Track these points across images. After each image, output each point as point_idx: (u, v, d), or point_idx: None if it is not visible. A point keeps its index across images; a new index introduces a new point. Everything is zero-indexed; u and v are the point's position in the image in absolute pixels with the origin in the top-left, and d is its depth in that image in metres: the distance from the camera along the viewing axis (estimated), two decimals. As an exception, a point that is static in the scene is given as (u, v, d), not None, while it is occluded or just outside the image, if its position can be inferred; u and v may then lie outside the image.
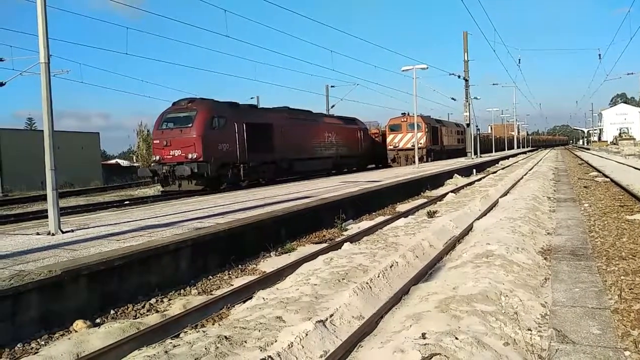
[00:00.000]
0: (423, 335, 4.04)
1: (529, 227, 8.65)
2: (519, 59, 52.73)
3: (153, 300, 5.85)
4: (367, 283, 5.58)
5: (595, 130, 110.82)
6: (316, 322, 4.32)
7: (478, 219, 10.48)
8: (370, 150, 33.80)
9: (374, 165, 35.14)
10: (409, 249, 7.35)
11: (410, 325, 4.32)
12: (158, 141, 18.91)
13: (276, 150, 22.10)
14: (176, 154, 18.21)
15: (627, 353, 3.62)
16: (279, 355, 3.81)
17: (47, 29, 7.44)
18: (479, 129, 50.87)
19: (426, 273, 6.41)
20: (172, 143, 18.35)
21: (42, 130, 7.60)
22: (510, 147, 78.38)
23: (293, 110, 25.72)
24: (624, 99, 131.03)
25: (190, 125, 18.34)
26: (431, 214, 11.32)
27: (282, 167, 22.85)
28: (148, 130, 39.61)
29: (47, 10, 7.47)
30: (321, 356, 3.96)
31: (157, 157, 18.86)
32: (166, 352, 4.02)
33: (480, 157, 41.39)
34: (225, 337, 4.26)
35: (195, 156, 17.81)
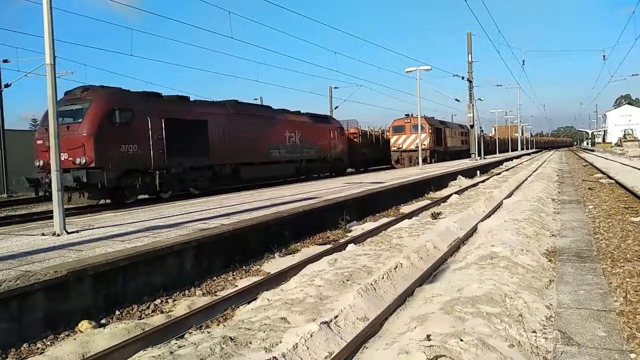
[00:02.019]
0: (428, 337, 4.04)
1: (533, 229, 8.63)
2: (523, 60, 52.65)
3: (158, 301, 5.86)
4: (371, 284, 5.58)
5: (599, 131, 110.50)
6: (321, 323, 4.33)
7: (482, 220, 10.46)
8: (347, 152, 30.01)
9: (353, 170, 32.48)
10: (413, 250, 7.35)
11: (415, 327, 4.32)
12: (41, 141, 14.25)
13: (213, 153, 18.08)
14: (62, 158, 14.44)
15: (632, 355, 3.61)
16: (284, 356, 3.81)
17: (52, 31, 7.47)
18: (482, 131, 50.86)
19: (430, 275, 6.40)
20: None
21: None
22: (514, 149, 78.18)
23: (241, 105, 21.40)
24: (628, 100, 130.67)
25: (80, 120, 14.15)
26: (435, 216, 11.31)
27: (223, 174, 18.78)
28: None
29: (52, 12, 7.50)
30: (326, 357, 3.96)
31: (41, 162, 14.51)
32: (171, 352, 4.03)
33: (484, 158, 41.31)
34: (230, 337, 4.27)
35: (85, 161, 13.81)
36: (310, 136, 25.37)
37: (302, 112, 26.29)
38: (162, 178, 15.68)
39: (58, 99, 13.60)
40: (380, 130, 38.43)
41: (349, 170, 31.77)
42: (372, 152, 35.35)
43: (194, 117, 17.52)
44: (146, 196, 16.70)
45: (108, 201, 15.34)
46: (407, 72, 27.59)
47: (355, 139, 33.02)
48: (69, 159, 13.60)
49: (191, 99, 18.59)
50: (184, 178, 16.97)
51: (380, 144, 36.74)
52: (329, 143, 27.50)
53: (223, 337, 4.26)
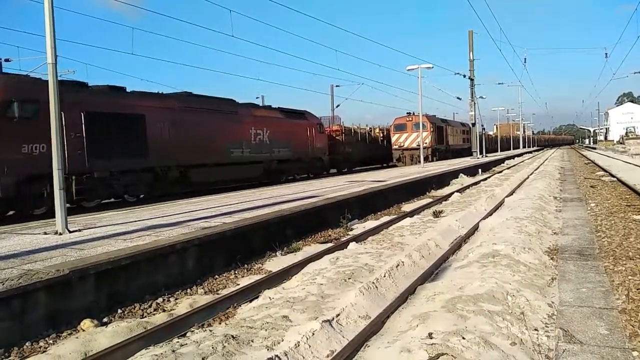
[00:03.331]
0: (430, 335, 4.04)
1: (535, 227, 8.63)
2: (525, 58, 52.55)
3: (160, 300, 5.87)
4: (373, 283, 5.58)
5: (601, 129, 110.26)
6: (323, 321, 4.33)
7: (484, 218, 10.46)
8: (327, 152, 27.01)
9: (335, 171, 29.74)
10: (414, 248, 7.35)
11: (417, 325, 4.32)
12: None
13: (154, 153, 15.24)
14: None
15: (635, 353, 3.61)
16: (286, 355, 3.82)
17: (54, 30, 7.48)
18: (484, 129, 50.79)
19: (432, 273, 6.41)
20: None
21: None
22: (516, 147, 78.07)
23: (193, 97, 18.23)
24: (630, 97, 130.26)
25: None
26: (437, 214, 11.30)
27: (168, 177, 15.98)
28: None
29: (54, 12, 7.51)
30: (328, 355, 3.97)
31: None
32: (173, 351, 4.04)
33: (486, 156, 41.28)
34: (232, 336, 4.27)
35: None
36: (283, 133, 22.29)
37: (273, 106, 23.95)
38: (80, 184, 12.88)
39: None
40: (369, 128, 36.24)
41: (332, 170, 29.33)
42: (359, 151, 32.68)
43: (127, 110, 14.57)
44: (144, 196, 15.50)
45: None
46: (408, 70, 27.55)
47: (337, 137, 30.45)
48: None
49: (128, 90, 15.70)
50: (113, 183, 14.15)
51: (368, 142, 34.39)
52: (305, 141, 24.37)
53: (225, 336, 4.26)
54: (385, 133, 37.05)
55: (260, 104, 23.11)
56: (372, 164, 34.83)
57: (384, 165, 35.67)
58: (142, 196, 15.36)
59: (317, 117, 27.21)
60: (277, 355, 3.76)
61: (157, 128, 15.55)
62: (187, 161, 16.53)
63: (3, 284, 4.64)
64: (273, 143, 21.56)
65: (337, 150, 29.36)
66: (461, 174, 23.09)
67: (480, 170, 27.03)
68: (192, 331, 4.72)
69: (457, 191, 16.83)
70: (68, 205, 11.75)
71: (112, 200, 14.85)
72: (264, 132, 20.99)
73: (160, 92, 17.59)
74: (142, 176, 15.04)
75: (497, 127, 78.20)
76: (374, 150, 34.82)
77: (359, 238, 8.89)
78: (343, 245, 8.19)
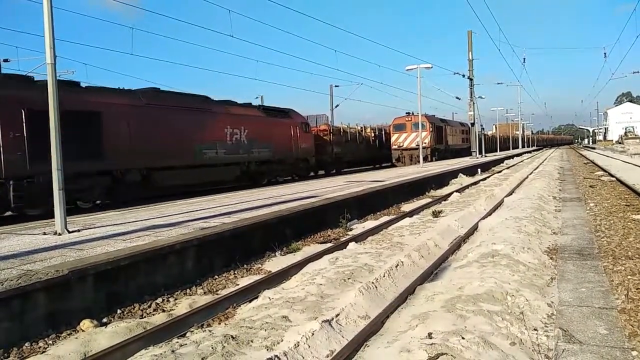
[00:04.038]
0: (429, 335, 4.04)
1: (534, 227, 8.63)
2: (524, 58, 52.52)
3: (159, 300, 5.87)
4: (372, 283, 5.59)
5: (600, 129, 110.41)
6: (322, 321, 4.33)
7: (483, 218, 10.46)
8: (313, 152, 25.48)
9: (323, 172, 28.31)
10: (414, 248, 7.35)
11: (417, 325, 4.32)
12: None
13: (112, 154, 13.77)
14: None
15: (634, 353, 3.61)
16: (286, 355, 3.82)
17: (53, 30, 7.47)
18: (483, 128, 50.83)
19: (432, 273, 6.41)
20: None
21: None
22: (515, 147, 78.13)
23: (159, 94, 16.56)
24: (629, 97, 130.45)
25: None
26: (436, 214, 11.30)
27: (128, 181, 14.44)
28: None
29: (53, 12, 7.50)
30: (327, 356, 3.97)
31: None
32: (173, 351, 4.03)
33: (485, 156, 41.30)
34: (232, 336, 4.27)
35: None
36: (263, 133, 20.74)
37: (253, 104, 22.29)
38: (20, 190, 11.52)
39: None
40: (360, 127, 34.46)
41: (320, 172, 28.19)
42: (349, 151, 31.06)
43: (79, 107, 12.88)
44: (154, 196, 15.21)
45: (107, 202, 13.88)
46: (407, 70, 27.57)
47: (325, 137, 28.70)
48: None
49: (83, 85, 14.43)
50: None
51: (358, 142, 32.70)
52: (288, 141, 22.86)
53: (224, 336, 4.26)
54: (377, 132, 35.82)
55: (239, 102, 21.11)
56: (364, 165, 33.55)
57: (377, 166, 34.89)
58: (98, 202, 13.80)
59: (302, 116, 25.69)
60: (276, 356, 3.76)
61: (116, 126, 14.02)
62: (150, 163, 15.05)
63: (2, 285, 4.63)
64: (252, 143, 20.07)
65: (324, 151, 27.85)
66: (460, 174, 23.10)
67: (479, 170, 27.04)
68: (192, 331, 4.72)
69: (457, 191, 16.84)
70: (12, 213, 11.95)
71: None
72: (241, 132, 19.50)
73: (122, 87, 16.05)
74: (97, 180, 13.46)
75: (496, 127, 78.26)
76: (365, 150, 33.58)
77: (358, 238, 8.89)
78: (342, 246, 8.19)
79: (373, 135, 35.25)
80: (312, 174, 26.59)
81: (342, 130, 31.16)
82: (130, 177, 14.52)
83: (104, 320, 5.23)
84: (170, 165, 15.86)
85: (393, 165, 33.58)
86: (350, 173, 26.67)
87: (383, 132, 36.71)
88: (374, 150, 34.72)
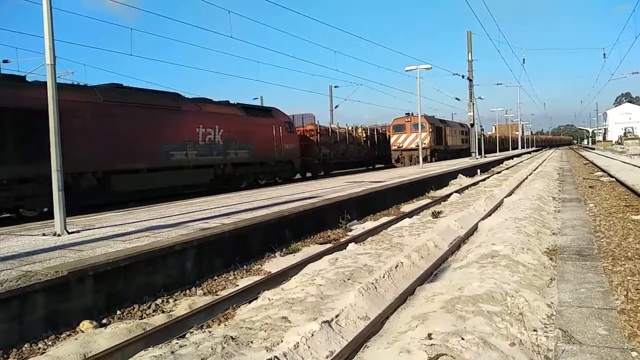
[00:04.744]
0: (429, 336, 4.04)
1: (534, 227, 8.63)
2: (523, 59, 52.71)
3: (159, 301, 5.87)
4: (372, 283, 5.58)
5: (600, 129, 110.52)
6: (322, 322, 4.33)
7: (483, 219, 10.46)
8: (298, 154, 24.09)
9: (310, 175, 26.78)
10: (414, 249, 7.35)
11: (416, 326, 4.32)
12: None
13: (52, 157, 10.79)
14: None
15: (634, 354, 3.61)
16: (285, 356, 3.82)
17: (52, 31, 7.47)
18: (483, 129, 50.85)
19: (431, 273, 6.41)
20: None
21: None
22: (515, 147, 78.19)
23: (122, 90, 15.38)
24: (628, 98, 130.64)
25: None
26: (436, 214, 11.30)
27: (81, 186, 13.09)
28: None
29: (52, 13, 7.50)
30: (327, 356, 3.96)
31: None
32: (172, 352, 4.03)
33: (485, 157, 41.31)
34: (231, 337, 4.27)
35: None
36: (241, 133, 19.36)
37: (232, 102, 20.73)
38: None
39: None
40: (351, 127, 32.79)
41: (307, 175, 26.70)
42: (338, 152, 29.45)
43: (22, 105, 11.61)
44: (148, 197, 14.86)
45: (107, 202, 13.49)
46: (407, 70, 27.60)
47: (312, 137, 27.03)
48: None
49: (29, 80, 12.98)
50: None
51: (348, 143, 30.88)
52: (270, 142, 21.44)
53: (224, 337, 4.26)
54: (368, 133, 34.19)
55: (215, 100, 19.72)
56: (354, 167, 31.82)
57: (370, 167, 34.02)
58: (45, 210, 11.95)
59: (286, 115, 24.34)
60: (276, 356, 3.75)
61: (67, 126, 11.91)
62: (107, 166, 13.72)
63: (2, 286, 4.63)
64: (228, 144, 18.66)
65: (311, 152, 26.32)
66: (460, 175, 23.11)
67: (479, 170, 27.06)
68: (191, 332, 4.72)
69: (456, 192, 16.84)
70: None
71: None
72: (215, 131, 18.09)
73: (78, 83, 14.84)
74: (43, 186, 11.59)
75: (495, 128, 78.25)
76: (356, 152, 31.85)
77: (358, 239, 8.89)
78: (342, 246, 8.19)
79: (364, 135, 33.71)
80: (298, 176, 25.20)
81: (330, 130, 29.39)
82: (84, 182, 13.21)
83: (104, 321, 5.23)
84: (131, 168, 14.54)
85: (389, 167, 33.52)
86: (341, 175, 25.51)
87: (375, 133, 35.27)
88: (366, 151, 33.37)
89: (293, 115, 27.48)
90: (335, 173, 28.18)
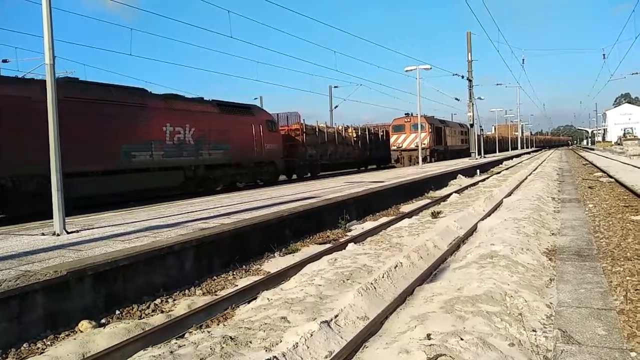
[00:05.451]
0: (428, 336, 4.04)
1: (533, 228, 8.63)
2: (523, 59, 52.76)
3: (158, 301, 5.86)
4: (371, 284, 5.58)
5: (599, 130, 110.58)
6: (321, 322, 4.32)
7: (482, 219, 10.46)
8: (281, 155, 22.77)
9: (295, 177, 25.75)
10: (413, 249, 7.35)
11: (415, 326, 4.32)
12: None
13: None
14: None
15: (633, 354, 3.61)
16: (284, 356, 3.81)
17: (52, 31, 7.47)
18: (482, 130, 50.86)
19: (431, 274, 6.41)
20: None
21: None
22: (514, 148, 78.24)
23: (75, 85, 13.74)
24: (628, 99, 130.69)
25: None
26: (435, 215, 11.30)
27: (21, 191, 12.01)
28: None
29: (52, 12, 7.50)
30: (326, 356, 3.96)
31: None
32: (171, 352, 4.03)
33: (484, 157, 41.33)
34: (230, 337, 4.27)
35: None
36: (216, 132, 18.09)
37: (206, 99, 19.34)
38: None
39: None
40: (341, 127, 31.69)
41: (293, 177, 25.71)
42: (326, 153, 28.06)
43: None
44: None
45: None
46: (406, 71, 27.61)
47: (297, 137, 25.63)
48: None
49: None
50: None
51: (337, 143, 29.58)
52: (249, 142, 20.11)
53: (223, 337, 4.26)
54: (360, 133, 32.84)
55: (187, 96, 18.52)
56: (344, 169, 30.59)
57: (362, 169, 33.16)
58: None
59: (268, 113, 23.02)
60: (275, 357, 3.75)
61: (6, 124, 11.57)
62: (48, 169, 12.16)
63: (1, 285, 4.62)
64: (200, 144, 17.41)
65: (296, 153, 25.01)
66: (459, 175, 23.11)
67: (478, 171, 27.06)
68: (190, 332, 4.72)
69: (456, 192, 16.84)
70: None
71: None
72: (186, 130, 16.79)
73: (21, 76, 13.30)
74: None
75: (495, 128, 78.27)
76: (345, 152, 30.45)
77: (357, 239, 8.89)
78: (341, 246, 8.18)
79: (355, 135, 32.20)
80: (284, 177, 24.29)
81: (317, 129, 27.70)
82: (26, 186, 11.95)
83: (103, 321, 5.22)
84: (84, 171, 13.02)
85: (386, 167, 33.46)
86: (339, 175, 24.75)
87: (367, 133, 33.97)
88: (356, 152, 32.00)
89: (277, 114, 26.50)
90: (335, 173, 27.50)
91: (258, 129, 20.65)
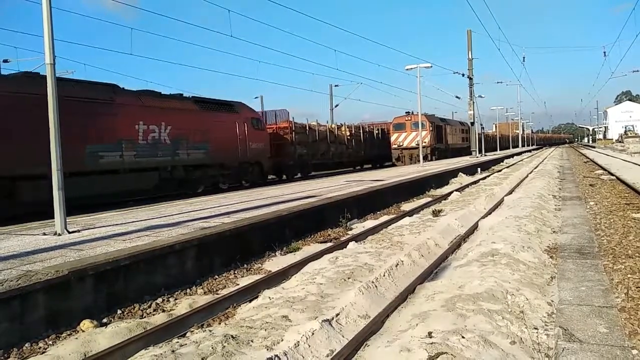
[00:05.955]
0: (429, 334, 4.04)
1: (534, 226, 8.63)
2: (524, 57, 52.71)
3: (159, 300, 5.87)
4: (372, 282, 5.58)
5: (600, 128, 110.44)
6: (322, 321, 4.33)
7: (483, 217, 10.46)
8: (267, 154, 21.44)
9: (284, 177, 24.64)
10: (414, 247, 7.35)
11: (417, 324, 4.32)
12: None
13: None
14: None
15: (634, 352, 3.61)
16: (286, 355, 3.82)
17: (52, 31, 7.47)
18: (483, 128, 50.82)
19: (432, 272, 6.41)
20: None
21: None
22: (515, 146, 78.15)
23: (35, 80, 11.70)
24: (629, 96, 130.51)
25: None
26: (436, 213, 11.30)
27: None
28: None
29: (52, 12, 7.49)
30: (328, 355, 3.96)
31: None
32: (173, 351, 4.03)
33: (485, 155, 41.31)
34: (232, 336, 4.27)
35: None
36: (195, 130, 16.91)
37: (186, 95, 18.15)
38: None
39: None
40: (334, 125, 30.48)
41: (283, 177, 24.60)
42: (318, 152, 26.77)
43: None
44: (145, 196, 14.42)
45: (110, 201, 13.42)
46: (407, 69, 27.56)
47: (286, 136, 24.44)
48: None
49: None
50: None
51: (330, 142, 28.15)
52: (233, 141, 18.92)
53: (225, 336, 4.26)
54: (353, 131, 31.42)
55: (164, 92, 17.30)
56: (337, 168, 29.51)
57: (357, 168, 32.56)
58: None
59: (253, 111, 21.73)
60: (276, 355, 3.76)
61: None
62: (13, 171, 11.34)
63: (2, 285, 4.63)
64: (177, 143, 16.19)
65: (285, 152, 23.81)
66: (460, 173, 23.10)
67: (479, 169, 27.04)
68: (192, 331, 4.72)
69: (457, 190, 16.83)
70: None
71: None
72: (161, 129, 15.56)
73: None
74: None
75: (496, 126, 78.22)
76: (338, 152, 29.13)
77: (358, 237, 8.89)
78: (342, 245, 8.19)
79: (349, 134, 30.75)
80: (272, 177, 23.27)
81: (308, 128, 26.34)
82: None
83: (104, 320, 5.23)
84: (42, 173, 10.76)
85: (386, 166, 33.41)
86: (326, 176, 23.69)
87: (362, 131, 32.81)
88: (350, 151, 30.65)
89: (265, 112, 25.53)
90: (328, 173, 26.58)
91: (242, 127, 19.51)
